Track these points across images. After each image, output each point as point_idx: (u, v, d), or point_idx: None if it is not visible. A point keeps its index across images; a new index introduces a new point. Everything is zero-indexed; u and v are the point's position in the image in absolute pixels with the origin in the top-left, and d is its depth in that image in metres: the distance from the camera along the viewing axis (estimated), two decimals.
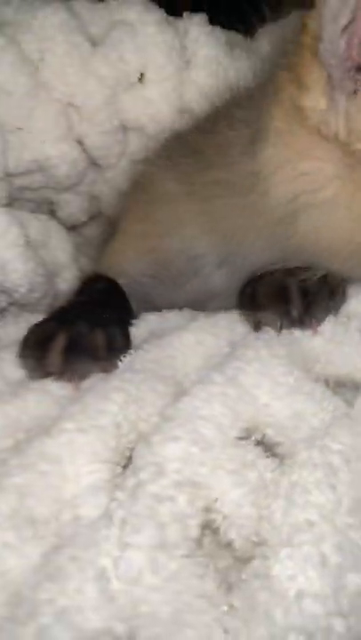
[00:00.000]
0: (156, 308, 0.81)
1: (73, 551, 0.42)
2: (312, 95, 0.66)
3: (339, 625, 0.38)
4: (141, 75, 1.02)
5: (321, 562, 0.40)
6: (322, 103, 0.66)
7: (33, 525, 0.45)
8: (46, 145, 0.96)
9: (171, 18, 1.04)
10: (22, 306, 0.95)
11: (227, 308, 0.77)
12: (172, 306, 0.81)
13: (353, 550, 0.42)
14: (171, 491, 0.46)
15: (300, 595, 0.39)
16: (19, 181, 0.99)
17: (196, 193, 0.80)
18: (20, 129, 0.92)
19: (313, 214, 0.68)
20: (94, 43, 1.00)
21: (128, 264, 0.87)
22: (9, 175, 0.96)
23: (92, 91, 0.99)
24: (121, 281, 0.83)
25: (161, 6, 1.05)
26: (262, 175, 0.70)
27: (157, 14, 1.02)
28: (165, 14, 1.03)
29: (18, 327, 0.84)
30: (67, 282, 1.07)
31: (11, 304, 0.95)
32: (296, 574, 0.40)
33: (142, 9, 1.02)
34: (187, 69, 1.04)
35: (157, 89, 1.02)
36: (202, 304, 0.83)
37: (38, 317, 0.79)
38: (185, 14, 1.06)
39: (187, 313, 0.81)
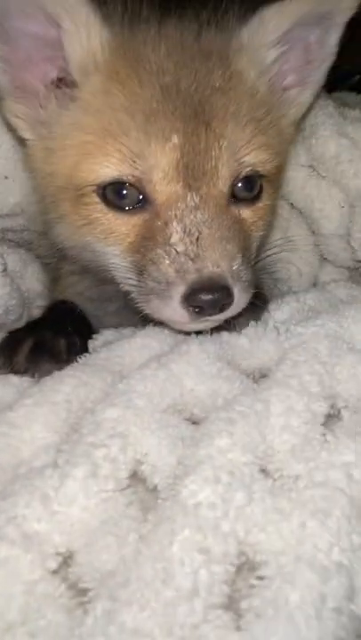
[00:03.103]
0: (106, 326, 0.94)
1: (24, 482, 0.54)
2: None
3: (225, 526, 0.50)
4: None
5: (216, 482, 0.52)
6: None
7: None
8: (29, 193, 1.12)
9: None
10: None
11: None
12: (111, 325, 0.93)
13: (243, 479, 0.54)
14: (106, 440, 0.58)
15: (197, 505, 0.51)
16: (3, 223, 1.14)
17: None
18: (6, 177, 1.08)
19: None
20: None
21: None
22: None
23: None
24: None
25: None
26: None
27: None
28: None
29: None
30: (40, 308, 1.21)
31: None
32: (196, 492, 0.52)
33: None
34: None
35: None
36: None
37: None
38: None
39: (139, 329, 0.95)
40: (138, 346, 0.82)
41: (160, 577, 0.46)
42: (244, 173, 0.79)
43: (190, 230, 0.72)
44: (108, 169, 0.76)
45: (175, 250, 0.72)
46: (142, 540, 0.50)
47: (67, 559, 0.51)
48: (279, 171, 0.87)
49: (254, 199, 0.83)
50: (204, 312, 0.74)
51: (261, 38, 0.85)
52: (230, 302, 0.74)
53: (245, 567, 0.51)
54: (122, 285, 0.82)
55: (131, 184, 0.76)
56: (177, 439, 0.60)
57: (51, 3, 0.75)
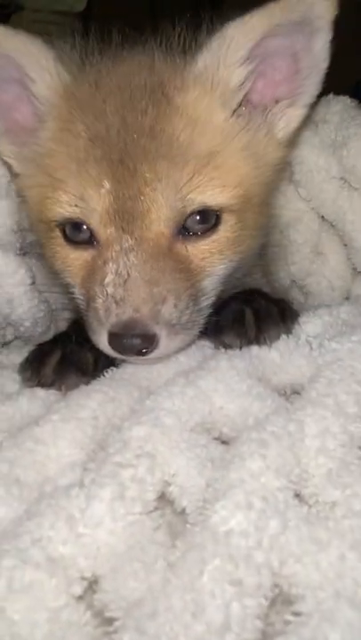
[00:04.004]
0: None
1: (50, 501, 0.52)
2: None
3: (259, 556, 0.47)
4: None
5: (248, 508, 0.50)
6: None
7: (19, 487, 0.55)
8: None
9: None
10: (27, 339, 1.08)
11: None
12: None
13: (277, 505, 0.51)
14: (133, 460, 0.56)
15: (229, 532, 0.48)
16: (30, 237, 1.16)
17: None
18: None
19: None
20: None
21: None
22: (22, 230, 1.12)
23: None
24: None
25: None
26: None
27: None
28: None
29: (20, 354, 0.97)
30: (67, 321, 1.21)
31: (17, 337, 1.08)
32: (228, 518, 0.49)
33: None
34: None
35: None
36: None
37: None
38: None
39: None
40: (165, 360, 0.80)
41: (190, 609, 0.43)
42: (190, 210, 0.77)
43: (121, 272, 0.73)
44: (61, 209, 0.79)
45: (106, 290, 0.73)
46: (171, 568, 0.47)
47: (92, 584, 0.49)
48: (245, 200, 0.81)
49: (207, 232, 0.79)
50: (127, 353, 0.74)
51: (223, 59, 0.80)
52: (151, 348, 0.72)
53: (279, 600, 0.48)
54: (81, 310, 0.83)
55: (82, 223, 0.79)
56: (206, 460, 0.58)
57: (14, 51, 0.81)
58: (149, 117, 0.77)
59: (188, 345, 0.79)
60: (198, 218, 0.78)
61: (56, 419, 0.64)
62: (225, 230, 0.80)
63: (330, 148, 1.15)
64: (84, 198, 0.77)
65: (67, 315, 1.23)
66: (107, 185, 0.75)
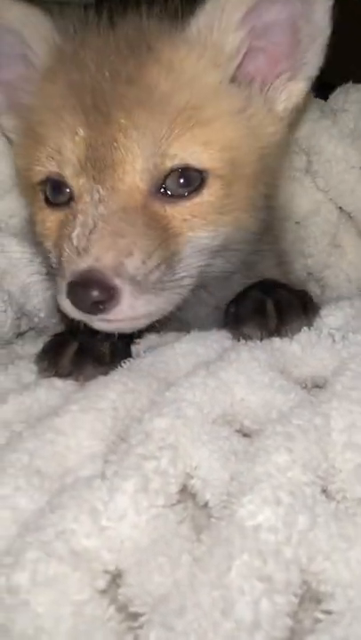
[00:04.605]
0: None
1: (72, 493, 0.51)
2: None
3: (288, 552, 0.46)
4: None
5: (276, 503, 0.48)
6: None
7: (40, 478, 0.54)
8: None
9: None
10: (41, 330, 1.07)
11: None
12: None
13: (305, 500, 0.50)
14: (155, 452, 0.55)
15: (257, 527, 0.47)
16: None
17: None
18: None
19: None
20: None
21: None
22: None
23: None
24: None
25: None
26: None
27: None
28: None
29: (35, 345, 0.96)
30: None
31: (31, 328, 1.07)
32: (256, 513, 0.48)
33: None
34: None
35: None
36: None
37: None
38: None
39: (182, 333, 0.92)
40: (183, 351, 0.78)
41: (219, 606, 0.42)
42: (170, 166, 0.73)
43: (88, 223, 0.69)
44: (41, 167, 0.77)
45: (72, 243, 0.69)
46: (197, 563, 0.46)
47: (115, 578, 0.48)
48: (234, 166, 0.77)
49: (191, 194, 0.75)
50: (83, 308, 0.69)
51: (218, 23, 0.79)
52: (111, 303, 0.67)
53: (307, 598, 0.47)
54: None
55: (61, 180, 0.76)
56: (229, 453, 0.57)
57: (15, 21, 0.81)
58: (129, 65, 0.75)
59: (161, 314, 0.73)
60: (180, 180, 0.74)
61: (75, 409, 0.63)
62: (209, 194, 0.76)
63: (348, 138, 1.13)
64: (60, 150, 0.75)
65: None
66: (81, 132, 0.73)
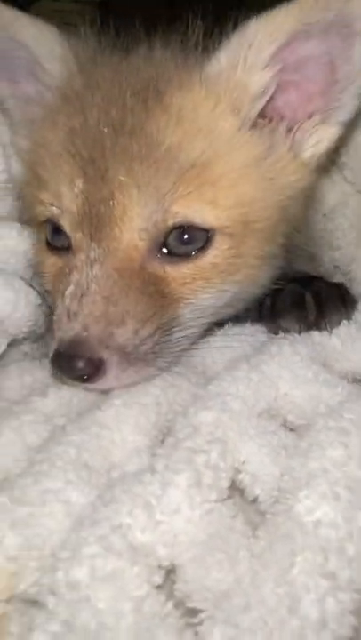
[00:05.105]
0: None
1: (123, 487, 0.50)
2: None
3: (350, 549, 0.44)
4: None
5: (335, 498, 0.47)
6: None
7: (88, 471, 0.53)
8: None
9: None
10: None
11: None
12: None
13: None
14: (205, 446, 0.54)
15: (317, 523, 0.46)
16: None
17: None
18: None
19: None
20: None
21: None
22: None
23: None
24: None
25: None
26: None
27: None
28: None
29: None
30: None
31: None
32: (314, 509, 0.47)
33: None
34: None
35: None
36: None
37: None
38: None
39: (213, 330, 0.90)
40: (218, 345, 0.78)
41: (285, 603, 0.41)
42: (172, 224, 0.67)
43: (81, 284, 0.65)
44: (43, 208, 0.73)
45: (64, 302, 0.65)
46: (257, 559, 0.45)
47: (169, 574, 0.47)
48: (246, 223, 0.70)
49: (194, 254, 0.68)
50: (69, 375, 0.65)
51: (243, 61, 0.70)
52: (96, 375, 0.63)
53: None
54: None
55: (59, 225, 0.72)
56: (279, 447, 0.56)
57: (27, 36, 0.77)
58: (135, 113, 0.68)
59: (149, 379, 0.66)
60: (184, 237, 0.68)
61: (118, 403, 0.62)
62: (215, 256, 0.69)
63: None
64: (60, 197, 0.70)
65: None
66: (79, 185, 0.68)
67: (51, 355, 0.65)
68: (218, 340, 0.78)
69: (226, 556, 0.46)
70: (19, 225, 0.94)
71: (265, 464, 0.54)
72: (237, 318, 0.83)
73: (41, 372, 0.78)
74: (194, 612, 0.44)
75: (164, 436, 0.61)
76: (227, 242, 0.69)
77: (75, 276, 0.66)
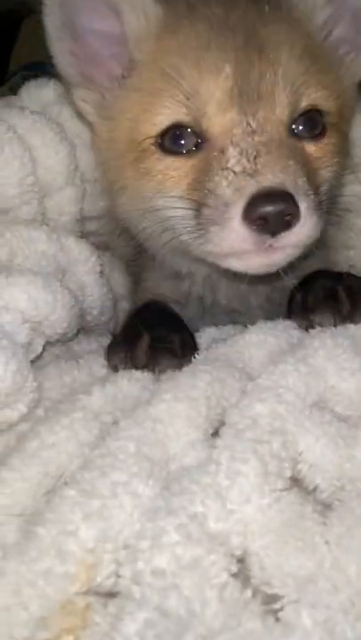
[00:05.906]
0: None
1: (191, 477, 0.50)
2: None
3: None
4: None
5: None
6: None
7: (150, 464, 0.53)
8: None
9: None
10: (90, 329, 1.06)
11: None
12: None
13: None
14: (266, 436, 0.54)
15: None
16: (90, 226, 1.13)
17: None
18: (95, 181, 1.07)
19: None
20: None
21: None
22: (84, 218, 1.10)
23: None
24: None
25: None
26: None
27: None
28: None
29: (89, 343, 0.95)
30: (123, 311, 1.19)
31: (81, 328, 1.06)
32: None
33: None
34: None
35: None
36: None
37: (105, 339, 0.91)
38: None
39: (240, 327, 0.91)
40: (254, 341, 0.78)
41: None
42: (303, 106, 0.78)
43: (248, 151, 0.71)
44: (163, 116, 0.77)
45: (233, 172, 0.70)
46: (334, 545, 0.45)
47: (242, 561, 0.47)
48: (341, 116, 0.84)
49: (318, 136, 0.80)
50: (268, 227, 0.69)
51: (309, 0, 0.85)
52: (296, 214, 0.69)
53: None
54: (181, 236, 0.79)
55: (187, 126, 0.77)
56: (336, 437, 0.56)
57: None
58: (268, 12, 0.81)
59: (314, 238, 0.74)
60: (304, 121, 0.78)
61: (169, 398, 0.62)
62: (331, 137, 0.81)
63: None
64: (198, 91, 0.75)
65: (124, 305, 1.21)
66: (227, 69, 0.75)
67: (236, 219, 0.68)
68: (253, 336, 0.79)
69: (302, 542, 0.46)
70: (46, 227, 0.94)
71: (324, 454, 0.55)
72: (255, 315, 0.88)
73: (79, 372, 0.78)
74: (274, 598, 0.44)
75: (214, 429, 0.61)
76: (334, 129, 0.82)
77: (232, 151, 0.71)
